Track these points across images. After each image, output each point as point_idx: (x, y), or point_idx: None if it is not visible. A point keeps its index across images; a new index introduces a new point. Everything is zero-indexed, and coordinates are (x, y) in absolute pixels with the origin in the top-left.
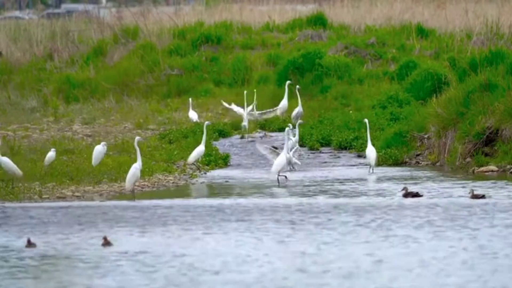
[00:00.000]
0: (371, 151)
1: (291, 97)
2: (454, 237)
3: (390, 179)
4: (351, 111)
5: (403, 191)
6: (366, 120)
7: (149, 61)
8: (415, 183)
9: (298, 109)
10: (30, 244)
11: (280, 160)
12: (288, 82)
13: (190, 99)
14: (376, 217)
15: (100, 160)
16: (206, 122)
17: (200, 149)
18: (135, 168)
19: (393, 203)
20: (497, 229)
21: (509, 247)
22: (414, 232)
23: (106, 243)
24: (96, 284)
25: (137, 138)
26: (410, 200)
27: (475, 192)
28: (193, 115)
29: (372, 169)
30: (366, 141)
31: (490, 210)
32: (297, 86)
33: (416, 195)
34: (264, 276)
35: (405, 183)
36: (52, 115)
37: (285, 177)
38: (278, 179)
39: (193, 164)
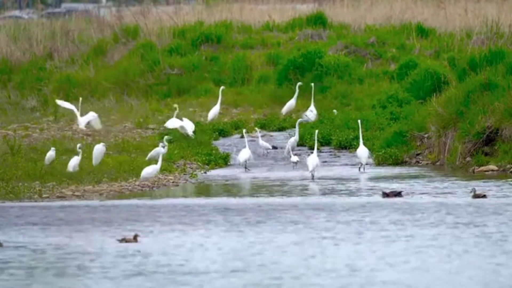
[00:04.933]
0: (361, 151)
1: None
2: (455, 236)
3: (390, 178)
4: (350, 108)
5: (383, 192)
6: (359, 121)
7: (149, 60)
8: (414, 182)
9: (310, 109)
10: None
11: (314, 159)
12: (299, 83)
13: (176, 106)
14: (372, 216)
15: (100, 160)
16: (166, 137)
17: (159, 149)
18: (155, 169)
19: (385, 202)
20: (497, 228)
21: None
22: (412, 232)
23: (130, 240)
24: (80, 284)
25: (161, 146)
26: (402, 200)
27: (477, 192)
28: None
29: (363, 168)
30: (359, 140)
31: (491, 210)
32: (312, 84)
33: (397, 194)
34: (266, 275)
35: (403, 183)
36: (52, 114)
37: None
38: (313, 175)
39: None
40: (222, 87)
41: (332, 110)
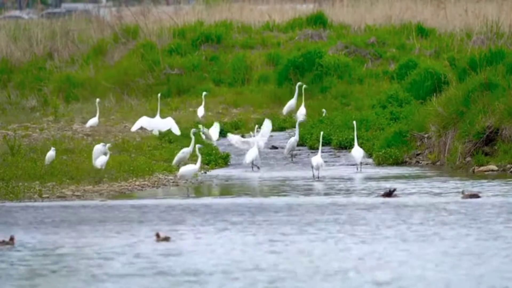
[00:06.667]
0: (356, 151)
1: (291, 96)
2: (453, 236)
3: (390, 178)
4: (350, 108)
5: (383, 192)
6: (354, 122)
7: (149, 60)
8: (414, 182)
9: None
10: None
11: (318, 159)
12: (299, 83)
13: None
14: (368, 216)
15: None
16: (193, 130)
17: (185, 150)
18: (194, 169)
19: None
20: (489, 229)
21: (501, 247)
22: (411, 232)
23: (162, 239)
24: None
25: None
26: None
27: (469, 192)
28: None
29: (360, 168)
30: (359, 141)
31: (483, 210)
32: (303, 86)
33: (389, 194)
34: (269, 276)
35: (403, 183)
36: (52, 114)
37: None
38: (316, 174)
39: (178, 165)
40: (204, 93)
41: (322, 110)
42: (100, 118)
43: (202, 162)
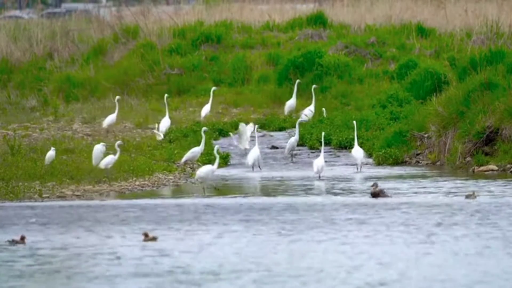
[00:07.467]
0: (356, 151)
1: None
2: (452, 236)
3: (390, 178)
4: (350, 108)
5: (373, 188)
6: (354, 122)
7: (149, 60)
8: (414, 182)
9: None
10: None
11: (320, 161)
12: (298, 81)
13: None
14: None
15: (100, 160)
16: (204, 128)
17: (196, 149)
18: (211, 170)
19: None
20: (498, 228)
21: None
22: (411, 232)
23: (149, 238)
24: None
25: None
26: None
27: (472, 192)
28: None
29: (360, 168)
30: (358, 141)
31: (480, 210)
32: (314, 86)
33: (379, 194)
34: (265, 275)
35: (403, 183)
36: (52, 114)
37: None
38: (319, 176)
39: (184, 164)
40: (213, 88)
41: (322, 108)
42: (100, 118)
43: (202, 162)
